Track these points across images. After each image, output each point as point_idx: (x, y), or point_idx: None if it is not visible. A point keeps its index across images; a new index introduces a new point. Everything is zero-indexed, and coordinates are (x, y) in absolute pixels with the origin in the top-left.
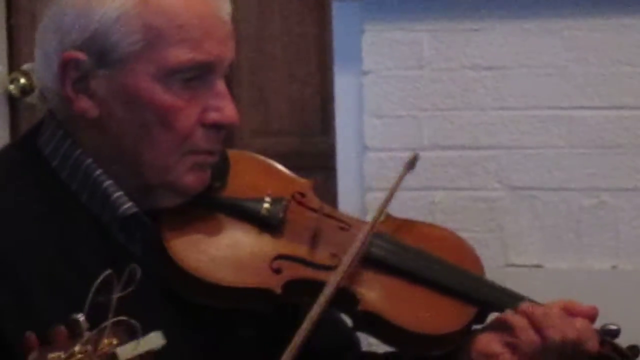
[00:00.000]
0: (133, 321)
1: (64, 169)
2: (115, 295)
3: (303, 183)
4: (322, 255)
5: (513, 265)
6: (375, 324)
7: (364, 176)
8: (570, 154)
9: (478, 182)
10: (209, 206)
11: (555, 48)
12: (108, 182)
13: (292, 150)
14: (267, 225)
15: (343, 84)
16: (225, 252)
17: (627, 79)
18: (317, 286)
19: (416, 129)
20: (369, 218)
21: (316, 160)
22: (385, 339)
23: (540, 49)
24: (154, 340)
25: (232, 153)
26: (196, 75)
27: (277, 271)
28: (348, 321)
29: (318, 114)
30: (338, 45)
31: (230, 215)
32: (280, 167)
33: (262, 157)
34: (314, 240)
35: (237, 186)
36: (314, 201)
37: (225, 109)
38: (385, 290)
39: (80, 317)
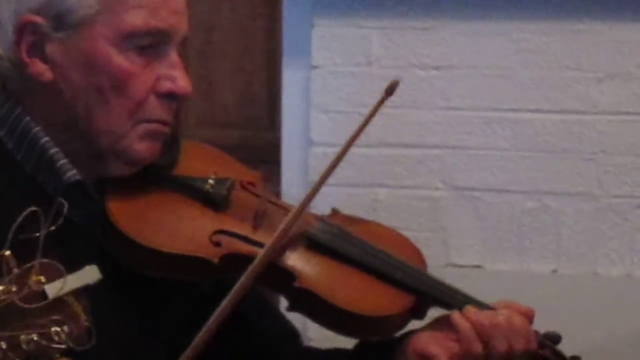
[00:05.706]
0: (60, 265)
1: (11, 139)
2: (43, 232)
3: (253, 174)
4: (262, 235)
5: (454, 265)
6: (311, 302)
7: (308, 170)
8: (514, 156)
9: (422, 181)
10: (156, 181)
11: (503, 50)
12: (54, 150)
13: (237, 142)
14: (211, 202)
15: (291, 78)
16: (167, 221)
17: (573, 83)
18: None
19: None
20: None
21: (261, 153)
22: (320, 320)
23: (488, 50)
24: (89, 274)
25: (185, 141)
26: (151, 44)
27: (217, 244)
28: (285, 301)
29: (265, 107)
30: (287, 39)
31: (175, 190)
32: (231, 158)
33: (215, 148)
34: (256, 221)
35: (186, 168)
36: (260, 190)
37: (179, 80)
38: (323, 271)
39: (6, 252)
